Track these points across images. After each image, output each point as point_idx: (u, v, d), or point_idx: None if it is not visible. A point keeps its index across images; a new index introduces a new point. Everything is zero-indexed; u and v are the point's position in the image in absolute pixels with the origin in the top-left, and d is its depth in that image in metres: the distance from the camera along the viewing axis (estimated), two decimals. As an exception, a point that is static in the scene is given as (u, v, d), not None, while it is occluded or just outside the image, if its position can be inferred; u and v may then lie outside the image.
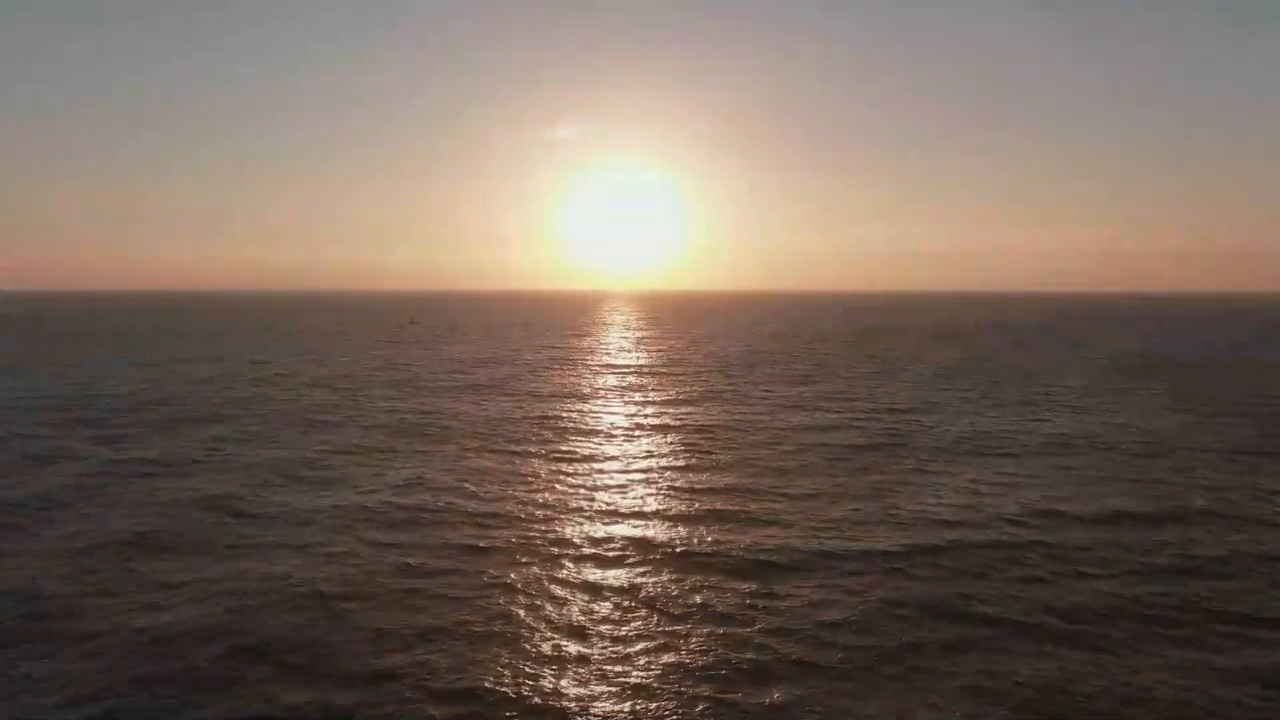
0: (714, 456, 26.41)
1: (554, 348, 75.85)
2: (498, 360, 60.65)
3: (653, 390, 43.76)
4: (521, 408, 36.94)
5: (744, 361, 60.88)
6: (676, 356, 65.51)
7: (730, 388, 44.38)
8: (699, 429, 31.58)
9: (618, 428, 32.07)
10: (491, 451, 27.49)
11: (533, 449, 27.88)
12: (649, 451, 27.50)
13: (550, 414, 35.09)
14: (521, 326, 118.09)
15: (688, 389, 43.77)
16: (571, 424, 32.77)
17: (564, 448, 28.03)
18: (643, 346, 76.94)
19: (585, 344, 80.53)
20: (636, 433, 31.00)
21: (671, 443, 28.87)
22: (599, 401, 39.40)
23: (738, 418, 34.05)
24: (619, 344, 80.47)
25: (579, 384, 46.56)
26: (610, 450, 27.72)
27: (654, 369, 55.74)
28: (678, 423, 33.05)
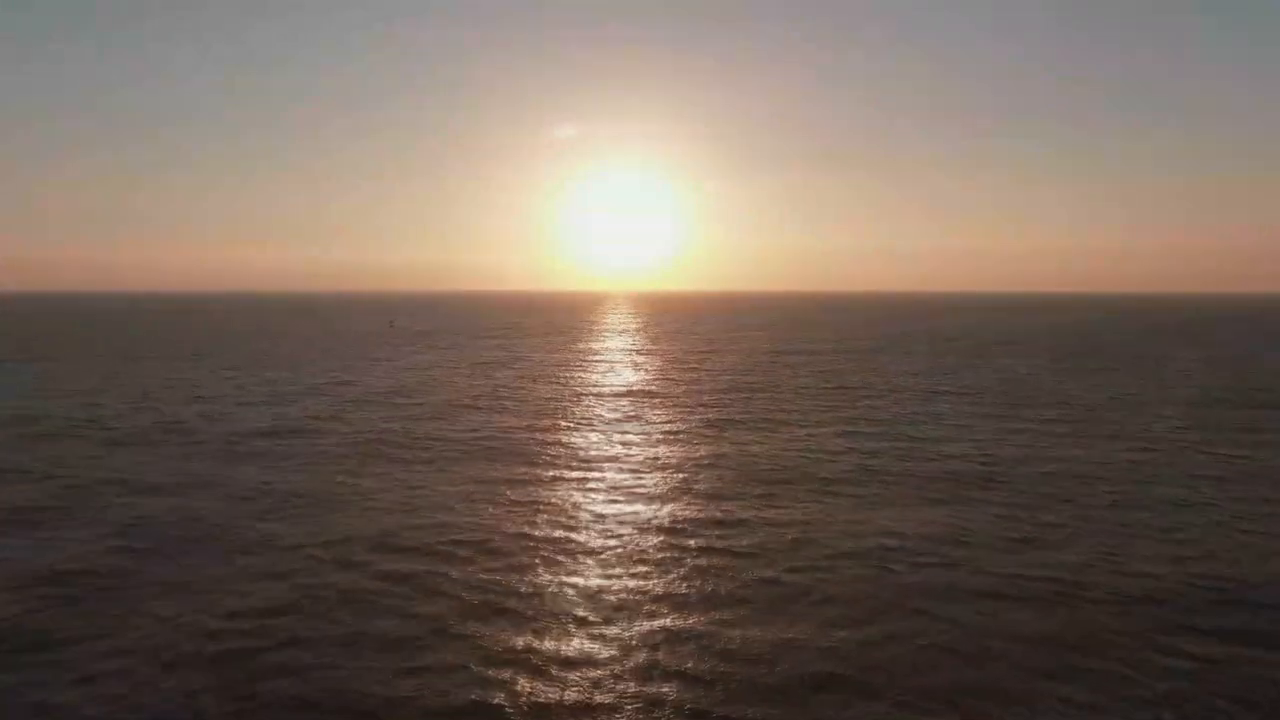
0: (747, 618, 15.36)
1: (528, 360, 64.18)
2: (452, 390, 50.26)
3: (657, 454, 31.35)
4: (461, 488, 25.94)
5: (765, 381, 49.34)
6: (691, 381, 53.19)
7: (762, 434, 33.17)
8: (720, 549, 20.11)
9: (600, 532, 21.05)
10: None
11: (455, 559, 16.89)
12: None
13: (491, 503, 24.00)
14: (507, 330, 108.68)
15: (706, 444, 32.19)
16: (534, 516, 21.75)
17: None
18: (647, 369, 63.83)
19: (570, 361, 69.34)
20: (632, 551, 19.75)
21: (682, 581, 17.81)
22: (576, 477, 28.07)
23: (769, 506, 22.91)
24: (615, 365, 67.76)
25: (553, 438, 35.11)
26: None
27: (663, 402, 43.36)
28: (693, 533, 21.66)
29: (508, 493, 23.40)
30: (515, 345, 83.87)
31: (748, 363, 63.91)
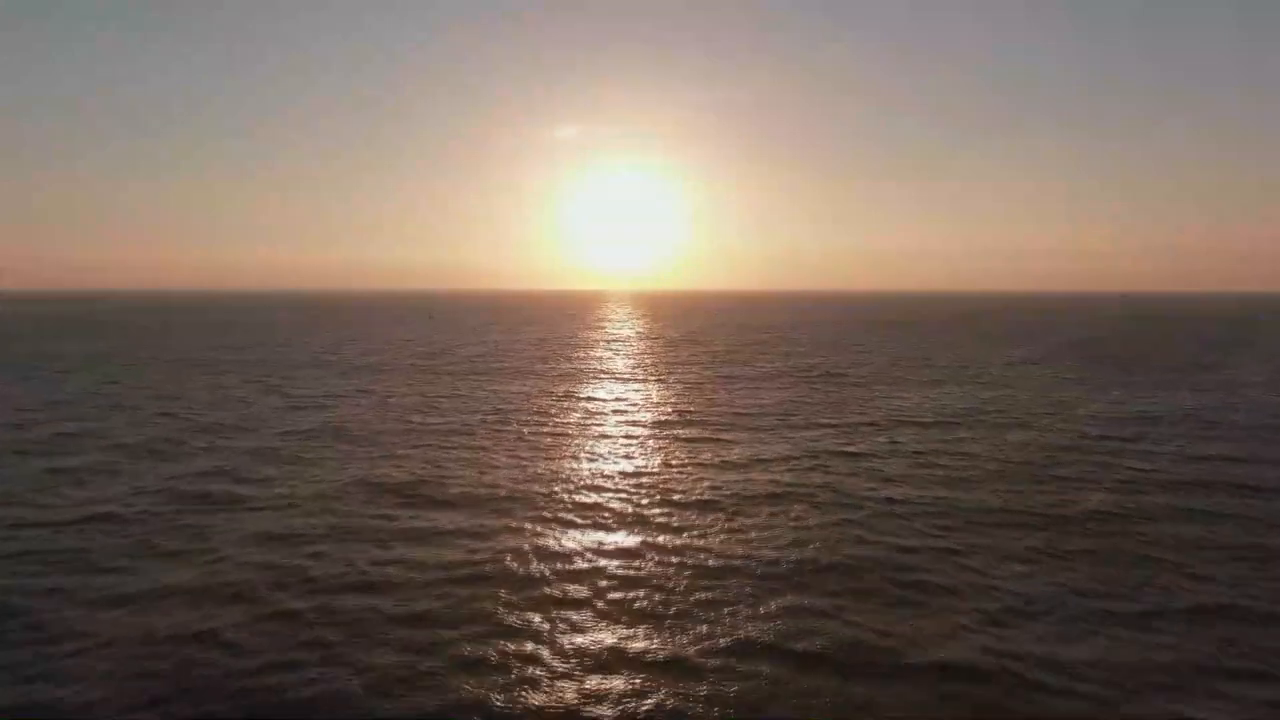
0: None
1: (494, 396, 44.82)
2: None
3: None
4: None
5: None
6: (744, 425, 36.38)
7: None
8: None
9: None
10: None
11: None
12: None
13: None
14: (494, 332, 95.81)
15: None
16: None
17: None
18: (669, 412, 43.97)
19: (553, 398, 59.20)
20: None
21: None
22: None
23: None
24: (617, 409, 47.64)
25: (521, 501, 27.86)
26: None
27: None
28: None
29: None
30: (496, 367, 75.36)
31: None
